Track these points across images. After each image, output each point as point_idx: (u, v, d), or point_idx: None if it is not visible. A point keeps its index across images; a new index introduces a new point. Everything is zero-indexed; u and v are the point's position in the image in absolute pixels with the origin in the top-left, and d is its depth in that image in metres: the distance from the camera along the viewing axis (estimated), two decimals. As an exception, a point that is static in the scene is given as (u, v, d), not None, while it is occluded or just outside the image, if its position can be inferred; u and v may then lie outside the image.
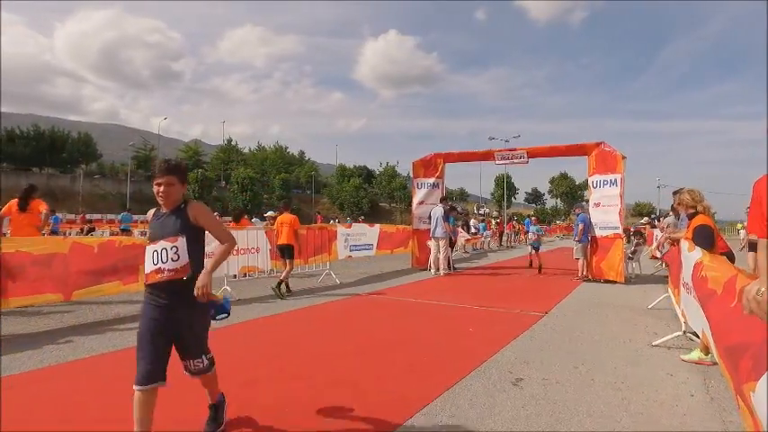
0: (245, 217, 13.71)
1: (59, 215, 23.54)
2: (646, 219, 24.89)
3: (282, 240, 8.76)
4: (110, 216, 35.87)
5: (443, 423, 3.23)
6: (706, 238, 4.56)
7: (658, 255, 11.33)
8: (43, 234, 8.85)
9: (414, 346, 5.24)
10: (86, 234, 18.50)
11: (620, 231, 10.59)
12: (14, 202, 7.43)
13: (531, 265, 13.43)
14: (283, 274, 8.67)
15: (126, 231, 21.18)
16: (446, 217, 11.92)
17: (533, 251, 13.50)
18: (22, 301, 5.92)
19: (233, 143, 76.55)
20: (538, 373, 4.30)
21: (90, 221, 27.79)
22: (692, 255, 4.32)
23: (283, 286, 8.53)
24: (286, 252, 8.77)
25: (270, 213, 15.52)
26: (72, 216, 31.22)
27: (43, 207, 7.67)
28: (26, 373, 4.22)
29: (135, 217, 25.31)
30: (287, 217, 8.90)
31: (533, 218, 14.30)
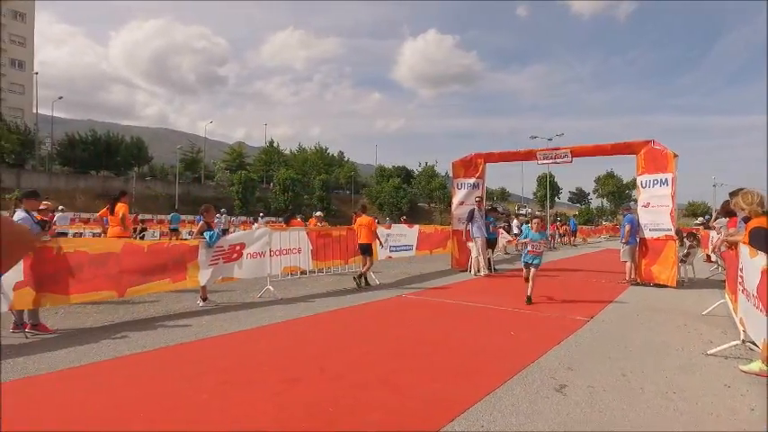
0: (297, 218, 14.07)
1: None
2: (700, 219, 23.67)
3: (362, 240, 9.88)
4: (160, 216, 37.49)
5: (484, 428, 3.19)
6: (760, 241, 4.28)
7: (714, 258, 10.74)
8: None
9: (453, 348, 5.19)
10: (139, 234, 19.38)
11: (671, 233, 10.12)
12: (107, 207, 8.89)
13: (528, 299, 7.84)
14: (364, 268, 9.83)
15: (175, 231, 22.14)
16: (470, 216, 11.77)
17: (529, 268, 8.00)
18: (82, 297, 6.28)
19: (275, 145, 78.28)
20: (583, 379, 4.17)
21: (142, 221, 29.18)
22: (755, 261, 4.06)
23: (362, 279, 9.71)
24: (366, 250, 9.85)
25: (318, 214, 15.85)
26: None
27: (122, 209, 8.62)
28: (85, 366, 4.49)
29: (183, 217, 26.49)
30: (365, 219, 10.05)
31: (535, 220, 8.54)
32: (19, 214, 5.74)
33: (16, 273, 5.47)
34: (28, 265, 5.56)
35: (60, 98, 57.90)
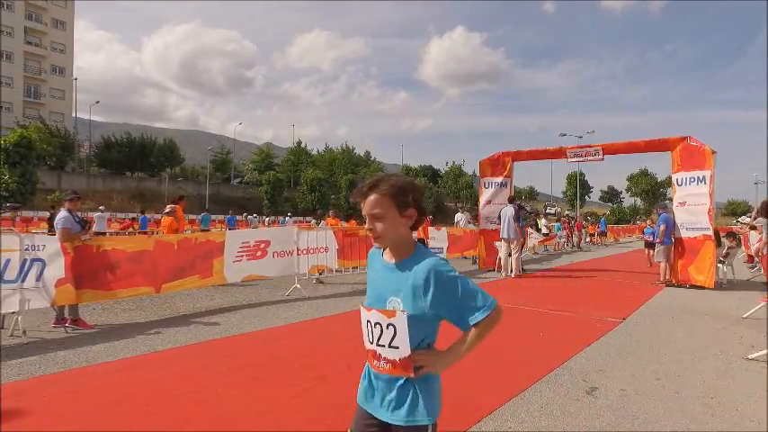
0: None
1: (147, 216, 25.60)
2: (742, 218, 22.72)
3: (419, 236, 10.81)
4: (191, 216, 38.49)
5: (512, 429, 3.15)
6: None
7: (756, 258, 10.30)
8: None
9: (481, 348, 5.10)
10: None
11: (710, 233, 9.75)
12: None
13: None
14: None
15: (205, 231, 22.68)
16: (517, 217, 11.62)
17: None
18: (120, 294, 6.52)
19: (302, 145, 79.07)
20: (614, 382, 4.07)
21: (174, 221, 29.97)
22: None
23: None
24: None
25: None
26: (159, 216, 33.87)
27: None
28: (121, 360, 4.64)
29: (213, 217, 27.22)
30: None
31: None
32: (62, 213, 6.00)
33: (58, 270, 5.72)
34: (69, 263, 5.80)
35: (97, 102, 60.12)
